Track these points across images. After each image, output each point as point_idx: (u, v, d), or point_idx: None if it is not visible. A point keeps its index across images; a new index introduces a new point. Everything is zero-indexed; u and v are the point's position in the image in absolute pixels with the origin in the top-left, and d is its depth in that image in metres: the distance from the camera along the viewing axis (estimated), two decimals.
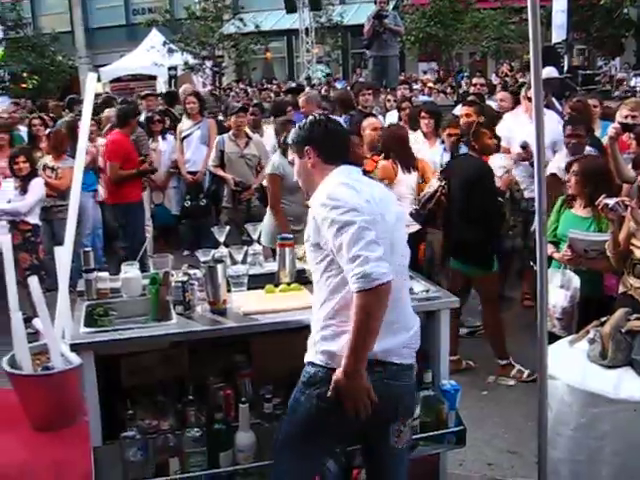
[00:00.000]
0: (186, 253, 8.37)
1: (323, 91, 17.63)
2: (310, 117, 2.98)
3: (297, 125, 3.01)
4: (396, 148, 6.18)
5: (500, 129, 6.49)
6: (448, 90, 18.05)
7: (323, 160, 2.86)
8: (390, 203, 2.87)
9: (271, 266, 3.98)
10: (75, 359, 4.26)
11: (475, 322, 6.25)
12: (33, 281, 4.68)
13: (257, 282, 3.71)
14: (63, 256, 4.78)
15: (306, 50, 23.82)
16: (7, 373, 4.77)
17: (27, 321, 4.96)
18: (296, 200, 5.60)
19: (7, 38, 23.94)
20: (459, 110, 7.11)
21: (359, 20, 22.19)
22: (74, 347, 3.22)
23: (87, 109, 4.96)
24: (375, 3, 11.99)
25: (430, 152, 6.94)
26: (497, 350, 5.55)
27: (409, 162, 6.18)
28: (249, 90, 20.11)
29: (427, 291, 3.52)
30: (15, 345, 4.79)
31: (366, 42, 12.23)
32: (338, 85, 21.50)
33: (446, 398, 3.37)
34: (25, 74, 22.65)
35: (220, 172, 7.69)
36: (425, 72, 24.37)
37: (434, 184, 5.63)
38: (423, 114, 7.23)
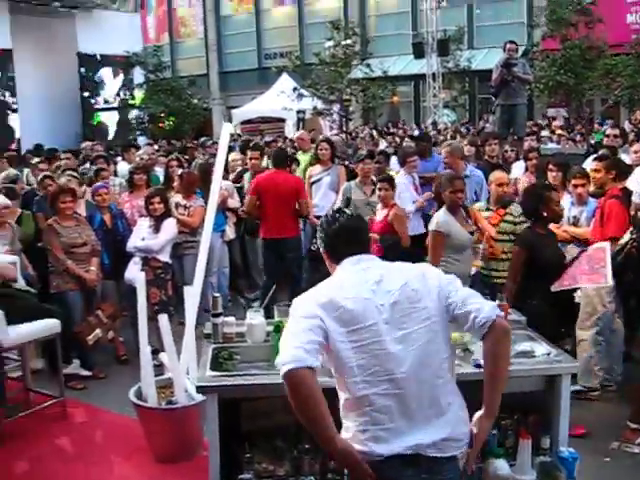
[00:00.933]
0: None
1: (450, 137, 17.65)
2: (322, 217, 2.97)
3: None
4: None
5: (631, 182, 6.30)
6: (578, 138, 17.60)
7: (333, 261, 2.85)
8: (407, 285, 2.66)
9: None
10: (197, 395, 4.44)
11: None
12: (163, 318, 4.95)
13: None
14: (192, 295, 5.02)
15: (433, 95, 23.93)
16: (133, 404, 5.03)
17: (154, 353, 5.22)
18: (462, 259, 5.55)
19: (148, 81, 25.42)
20: (589, 164, 6.95)
21: (487, 65, 22.08)
22: (200, 389, 3.37)
23: (221, 154, 5.22)
24: (504, 50, 11.87)
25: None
26: (634, 412, 5.25)
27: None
28: (374, 134, 20.36)
29: (549, 354, 3.46)
30: (142, 378, 5.06)
31: (494, 90, 12.12)
32: (464, 130, 21.45)
33: (564, 466, 3.28)
34: (163, 115, 23.92)
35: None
36: (554, 118, 23.86)
37: (626, 237, 5.41)
38: (551, 166, 7.12)
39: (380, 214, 7.01)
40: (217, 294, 3.99)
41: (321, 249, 2.90)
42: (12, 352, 5.99)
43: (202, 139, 12.25)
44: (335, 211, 2.94)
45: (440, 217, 5.61)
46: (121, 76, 26.41)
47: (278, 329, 3.54)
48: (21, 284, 6.26)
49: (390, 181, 7.10)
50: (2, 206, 6.86)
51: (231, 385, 3.29)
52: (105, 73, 26.08)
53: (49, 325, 5.73)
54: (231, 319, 3.90)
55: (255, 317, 3.79)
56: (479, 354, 3.45)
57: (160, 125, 24.32)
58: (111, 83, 26.41)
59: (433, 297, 2.64)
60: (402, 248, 6.73)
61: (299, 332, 2.52)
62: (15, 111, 23.23)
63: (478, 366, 3.15)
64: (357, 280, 2.66)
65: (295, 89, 21.67)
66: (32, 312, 5.76)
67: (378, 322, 2.56)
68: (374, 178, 8.03)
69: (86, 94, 25.68)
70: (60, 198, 6.65)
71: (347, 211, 2.92)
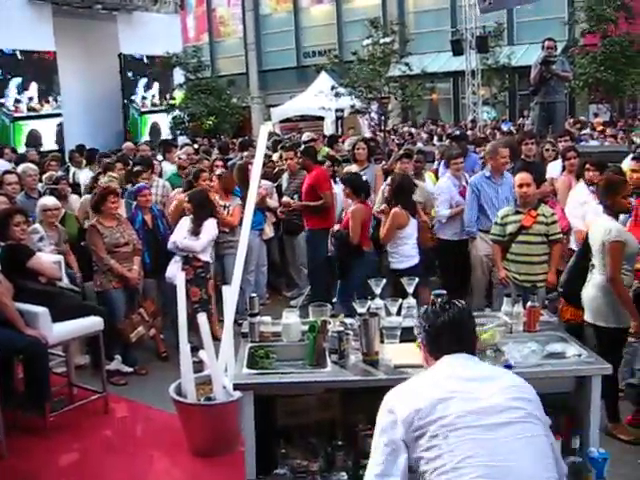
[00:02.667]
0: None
1: (488, 133, 17.56)
2: (426, 306, 2.83)
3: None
4: None
5: None
6: (620, 134, 17.37)
7: (431, 355, 2.72)
8: (508, 388, 2.53)
9: None
10: (235, 392, 4.55)
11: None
12: (202, 317, 5.07)
13: (410, 335, 3.81)
14: (230, 295, 5.13)
15: (472, 92, 23.75)
16: (173, 400, 5.17)
17: (193, 350, 5.35)
18: (631, 269, 5.17)
19: (188, 81, 25.67)
20: (627, 164, 6.90)
21: (527, 61, 21.80)
22: (237, 386, 3.48)
23: (259, 154, 5.31)
24: (542, 48, 11.77)
25: (595, 204, 6.76)
26: None
27: None
28: (414, 132, 20.33)
29: (579, 355, 3.49)
30: (182, 375, 5.19)
31: (532, 88, 12.04)
32: (504, 127, 21.28)
33: (594, 466, 3.32)
34: (203, 115, 24.12)
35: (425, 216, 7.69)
36: (596, 115, 23.54)
37: None
38: (588, 166, 7.08)
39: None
40: (254, 294, 4.09)
41: (418, 337, 2.80)
42: (57, 348, 6.16)
43: (241, 139, 12.35)
44: (444, 302, 2.77)
45: (613, 225, 5.13)
46: (156, 83, 26.80)
47: (313, 329, 3.64)
48: (65, 282, 6.46)
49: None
50: (53, 207, 7.09)
51: (267, 383, 3.40)
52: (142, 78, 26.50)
53: (93, 323, 5.90)
54: (267, 318, 4.00)
55: (290, 316, 3.89)
56: (510, 354, 3.52)
57: (200, 124, 24.51)
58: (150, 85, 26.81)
59: (534, 407, 2.53)
60: (351, 244, 6.95)
61: (382, 459, 2.46)
62: (59, 115, 23.67)
63: (508, 367, 3.20)
64: (455, 378, 2.53)
65: (333, 87, 21.68)
66: (76, 310, 5.94)
67: (469, 415, 2.43)
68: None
69: (131, 96, 26.08)
70: (107, 199, 6.81)
71: (457, 304, 2.75)
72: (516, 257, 6.17)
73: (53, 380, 5.91)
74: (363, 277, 7.07)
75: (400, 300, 4.09)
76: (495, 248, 6.42)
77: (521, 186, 6.17)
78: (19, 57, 22.48)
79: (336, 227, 7.41)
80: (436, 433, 2.38)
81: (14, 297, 5.52)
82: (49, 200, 7.24)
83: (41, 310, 5.51)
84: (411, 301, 4.17)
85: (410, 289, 4.23)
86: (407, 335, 3.80)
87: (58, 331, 5.62)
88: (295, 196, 8.56)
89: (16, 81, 22.63)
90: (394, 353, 3.62)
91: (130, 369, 6.85)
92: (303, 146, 9.31)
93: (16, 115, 22.65)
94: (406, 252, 6.78)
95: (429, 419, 2.41)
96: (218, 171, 8.49)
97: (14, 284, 5.62)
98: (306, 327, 3.78)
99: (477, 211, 7.30)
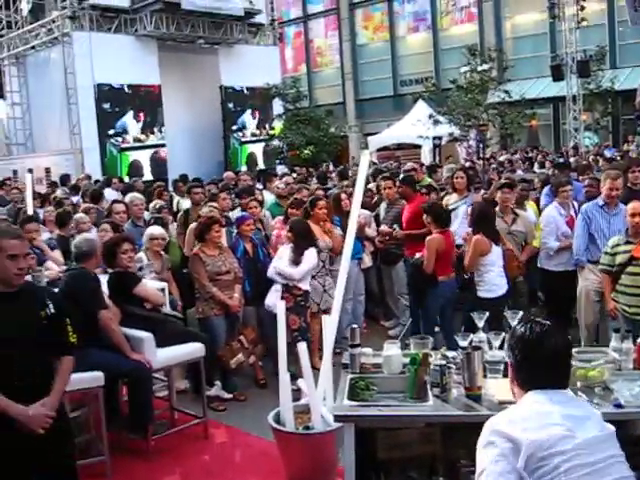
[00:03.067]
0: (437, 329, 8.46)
1: (591, 160, 17.03)
2: (519, 327, 2.65)
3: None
4: None
5: None
6: None
7: (521, 386, 2.61)
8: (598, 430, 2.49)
9: None
10: (333, 422, 4.53)
11: None
12: (302, 345, 5.08)
13: None
14: (330, 324, 5.13)
15: (573, 118, 23.21)
16: (272, 428, 5.19)
17: (292, 379, 5.37)
18: None
19: (287, 111, 26.18)
20: None
21: (632, 85, 21.17)
22: (338, 418, 3.46)
23: (360, 182, 5.30)
24: None
25: None
26: None
27: None
28: (513, 159, 19.96)
29: None
30: (281, 403, 5.21)
31: (638, 113, 11.65)
32: (607, 153, 20.61)
33: None
34: (301, 145, 24.53)
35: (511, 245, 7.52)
36: None
37: None
38: None
39: None
40: (355, 325, 4.09)
41: (508, 361, 2.69)
42: (160, 373, 6.34)
43: (339, 168, 12.46)
44: (538, 324, 2.60)
45: None
46: (256, 114, 27.39)
47: (414, 361, 3.59)
48: (168, 309, 6.64)
49: None
50: (159, 236, 7.32)
51: (368, 415, 3.37)
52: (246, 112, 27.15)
53: (194, 349, 6.02)
54: (368, 350, 3.98)
55: (391, 348, 3.86)
56: (619, 393, 3.36)
57: (298, 154, 24.92)
58: (250, 117, 27.43)
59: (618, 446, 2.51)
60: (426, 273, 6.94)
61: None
62: (163, 146, 24.61)
63: (618, 406, 3.06)
64: (562, 415, 2.46)
65: (431, 116, 21.63)
66: (179, 336, 6.08)
67: (584, 453, 2.40)
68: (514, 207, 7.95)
69: (231, 127, 26.80)
70: (211, 228, 6.96)
71: (556, 332, 2.57)
72: (626, 289, 5.89)
73: (155, 404, 6.05)
74: (438, 307, 7.07)
75: (503, 334, 3.98)
76: (604, 279, 6.18)
77: (633, 215, 5.91)
78: (127, 91, 23.62)
79: (417, 255, 7.35)
80: (557, 466, 2.35)
81: (121, 322, 5.73)
82: (156, 229, 7.47)
83: (146, 335, 5.67)
84: None
85: (514, 322, 4.11)
86: None
87: (162, 356, 5.76)
88: (395, 225, 8.52)
89: (124, 114, 23.70)
90: (497, 388, 3.53)
91: (229, 395, 6.92)
92: (401, 175, 9.29)
93: (123, 146, 23.75)
94: (491, 280, 6.65)
95: (551, 451, 2.36)
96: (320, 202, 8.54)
97: (121, 310, 5.84)
98: (407, 359, 3.74)
99: (587, 240, 7.02)
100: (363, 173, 5.27)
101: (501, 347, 3.94)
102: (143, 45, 23.77)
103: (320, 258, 7.41)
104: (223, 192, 9.04)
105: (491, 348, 3.92)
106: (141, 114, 24.09)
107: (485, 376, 3.63)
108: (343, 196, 8.52)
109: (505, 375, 3.67)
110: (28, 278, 4.20)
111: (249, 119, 27.36)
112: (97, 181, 16.88)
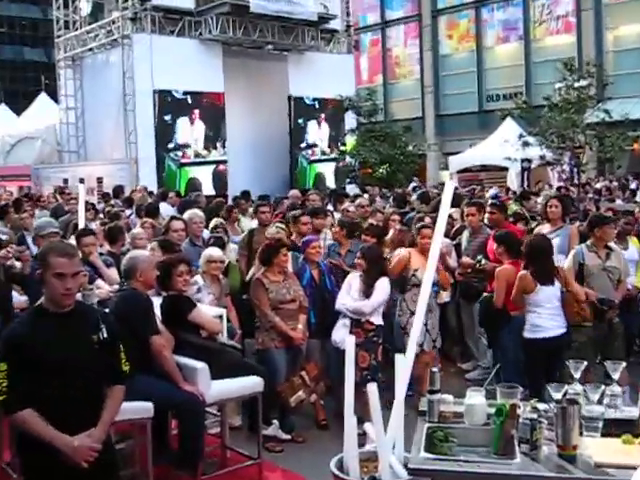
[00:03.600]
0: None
1: None
2: None
3: None
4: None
5: None
6: None
7: None
8: None
9: (633, 412, 3.85)
10: (403, 473, 4.47)
11: None
12: (372, 386, 5.04)
13: (613, 428, 3.62)
14: (403, 364, 5.08)
15: None
16: (333, 475, 5.15)
17: (357, 422, 5.32)
18: None
19: (360, 125, 26.27)
20: None
21: None
22: (413, 471, 3.42)
23: (444, 209, 5.25)
24: None
25: None
26: None
27: None
28: (612, 187, 19.57)
29: None
30: (345, 448, 5.17)
31: None
32: None
33: None
34: (375, 163, 24.54)
35: (577, 287, 7.42)
36: None
37: None
38: None
39: None
40: (435, 368, 4.04)
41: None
42: (212, 407, 6.35)
43: (412, 184, 12.43)
44: None
45: None
46: (326, 128, 27.58)
47: (500, 413, 3.53)
48: (225, 338, 6.69)
49: None
50: (218, 259, 7.39)
51: (447, 470, 3.34)
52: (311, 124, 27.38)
53: (252, 383, 6.04)
54: (448, 397, 3.93)
55: (475, 397, 3.80)
56: None
57: (371, 172, 24.94)
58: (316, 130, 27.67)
59: None
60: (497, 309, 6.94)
61: None
62: (224, 162, 24.99)
63: None
64: None
65: (521, 136, 21.37)
66: (236, 368, 6.11)
67: None
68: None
69: (300, 143, 27.04)
70: (279, 252, 7.00)
71: None
72: None
73: (207, 440, 6.07)
74: (515, 347, 6.92)
75: (602, 387, 3.88)
76: None
77: None
78: (189, 101, 24.08)
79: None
80: None
81: (174, 350, 5.80)
82: (215, 251, 7.51)
83: (200, 365, 5.72)
84: (615, 389, 3.95)
85: (616, 376, 4.01)
86: (611, 428, 3.62)
87: (216, 389, 5.79)
88: (480, 257, 8.42)
89: (184, 125, 24.19)
90: (595, 448, 3.44)
91: (287, 436, 6.91)
92: (490, 200, 9.19)
93: (183, 161, 24.20)
94: (534, 320, 6.58)
95: None
96: (396, 226, 8.55)
97: (174, 336, 5.92)
98: (493, 410, 3.67)
99: None
100: (448, 199, 5.22)
101: (600, 401, 3.84)
102: (207, 50, 24.27)
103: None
104: (305, 215, 8.88)
105: (588, 402, 3.82)
106: (200, 127, 24.50)
107: (581, 434, 3.54)
108: (427, 219, 8.45)
109: (604, 434, 3.58)
110: (78, 297, 4.28)
111: (318, 132, 27.58)
112: (151, 193, 17.23)
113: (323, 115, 27.29)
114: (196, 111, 24.21)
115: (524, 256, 6.79)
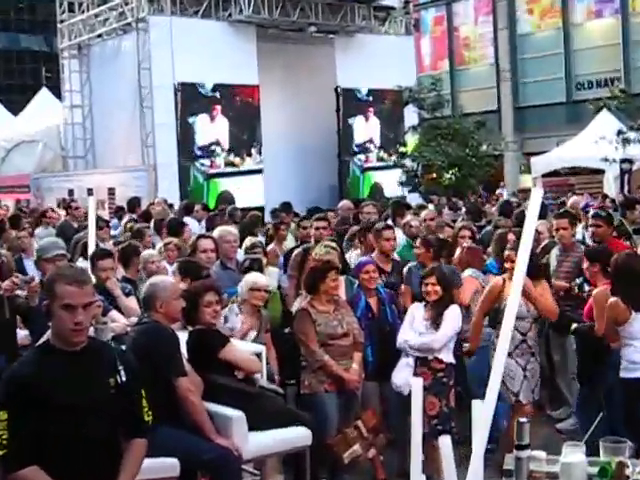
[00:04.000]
0: None
1: None
2: None
3: None
4: None
5: None
6: None
7: None
8: None
9: None
10: None
11: None
12: (444, 439, 5.01)
13: None
14: (481, 411, 5.04)
15: None
16: None
17: None
18: None
19: (423, 121, 26.18)
20: None
21: None
22: None
23: (530, 223, 5.18)
24: None
25: None
26: None
27: None
28: None
29: None
30: None
31: None
32: None
33: None
34: (442, 167, 24.39)
35: None
36: None
37: None
38: None
39: None
40: (524, 419, 4.00)
41: None
42: (250, 464, 6.38)
43: (501, 202, 12.31)
44: None
45: None
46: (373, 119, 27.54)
47: (605, 473, 3.49)
48: (265, 381, 6.70)
49: None
50: (264, 287, 7.34)
51: None
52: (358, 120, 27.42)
53: (298, 435, 6.06)
54: (540, 454, 3.89)
55: (573, 453, 3.75)
56: None
57: (437, 178, 24.82)
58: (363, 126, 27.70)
59: None
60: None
61: None
62: (259, 172, 25.04)
63: None
64: None
65: (620, 132, 21.16)
66: (278, 417, 6.13)
67: None
68: None
69: (351, 145, 27.09)
70: (326, 276, 6.99)
71: None
72: None
73: None
74: (613, 386, 6.82)
75: None
76: None
77: None
78: (217, 96, 24.28)
79: None
80: None
81: (203, 395, 5.82)
82: (261, 278, 7.48)
83: (236, 415, 5.76)
84: None
85: None
86: None
87: (254, 442, 5.82)
88: (579, 280, 8.35)
89: (212, 126, 24.37)
90: None
91: None
92: (592, 210, 9.11)
93: (211, 172, 24.29)
94: (630, 356, 6.49)
95: None
96: (465, 243, 8.53)
97: (204, 378, 5.94)
98: (595, 470, 3.63)
99: None
100: (535, 210, 5.18)
101: None
102: (238, 34, 24.39)
103: (520, 329, 7.23)
104: (389, 229, 8.67)
105: None
106: (230, 128, 24.60)
107: None
108: (510, 237, 8.41)
109: None
110: (90, 331, 4.31)
111: (366, 129, 27.57)
112: (170, 205, 17.40)
113: (372, 108, 27.31)
114: (224, 109, 24.36)
115: (612, 279, 6.74)
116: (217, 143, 24.62)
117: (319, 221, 9.76)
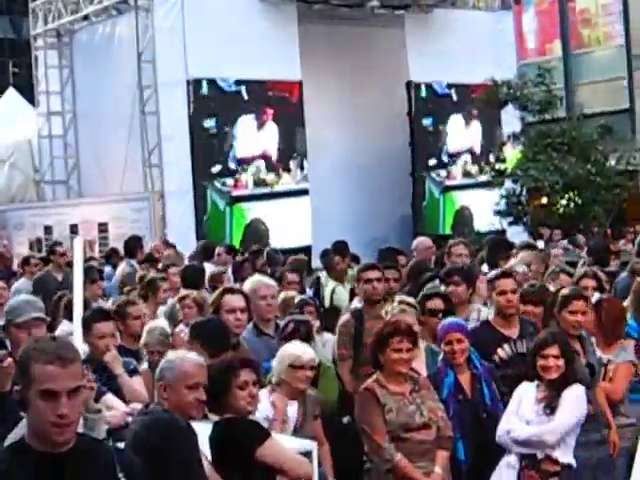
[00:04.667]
0: None
1: None
2: None
3: None
4: None
5: None
6: None
7: None
8: None
9: None
10: None
11: None
12: None
13: None
14: None
15: None
16: None
17: None
18: None
19: (528, 126, 26.03)
20: None
21: None
22: None
23: None
24: None
25: None
26: None
27: None
28: None
29: None
30: None
31: None
32: None
33: None
34: (555, 190, 24.11)
35: None
36: None
37: None
38: None
39: None
40: None
41: None
42: None
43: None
44: None
45: None
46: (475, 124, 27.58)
47: None
48: None
49: None
50: (310, 362, 7.26)
51: None
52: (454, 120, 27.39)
53: None
54: None
55: None
56: None
57: (546, 205, 24.68)
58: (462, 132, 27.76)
59: None
60: None
61: None
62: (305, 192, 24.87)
63: None
64: None
65: None
66: None
67: None
68: None
69: (427, 160, 27.05)
70: (393, 343, 7.00)
71: None
72: None
73: None
74: None
75: None
76: None
77: None
78: (244, 96, 24.14)
79: None
80: None
81: None
82: (305, 349, 7.40)
83: None
84: None
85: None
86: None
87: None
88: None
89: (238, 134, 24.35)
90: None
91: None
92: None
93: (236, 194, 24.08)
94: None
95: None
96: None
97: None
98: None
99: None
100: None
101: None
102: (272, 11, 24.19)
103: None
104: (506, 277, 8.68)
105: None
106: (271, 135, 24.55)
107: None
108: None
109: None
110: (80, 424, 4.24)
111: (466, 136, 27.70)
112: (172, 246, 17.56)
113: (475, 111, 27.34)
114: (259, 112, 24.29)
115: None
116: (256, 162, 24.44)
117: (388, 270, 9.73)
